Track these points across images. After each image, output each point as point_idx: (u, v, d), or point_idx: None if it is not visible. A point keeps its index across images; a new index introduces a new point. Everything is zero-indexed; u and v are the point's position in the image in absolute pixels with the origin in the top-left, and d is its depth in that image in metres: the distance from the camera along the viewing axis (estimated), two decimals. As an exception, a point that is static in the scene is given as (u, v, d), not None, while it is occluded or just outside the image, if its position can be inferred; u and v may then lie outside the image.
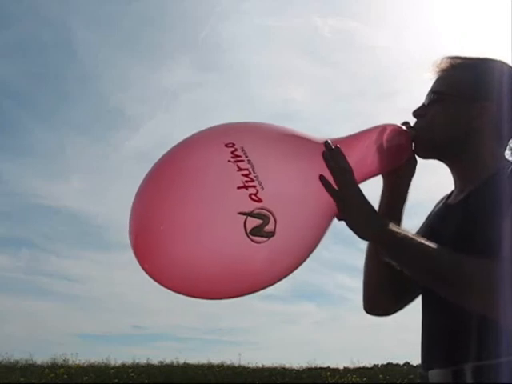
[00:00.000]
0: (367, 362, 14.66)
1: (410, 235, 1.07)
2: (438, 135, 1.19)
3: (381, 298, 1.32)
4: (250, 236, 1.00)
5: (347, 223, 1.10)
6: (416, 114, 1.23)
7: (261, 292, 1.09)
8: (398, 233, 1.07)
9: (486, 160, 1.16)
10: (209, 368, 13.02)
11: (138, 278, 1.09)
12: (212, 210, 1.01)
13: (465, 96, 1.17)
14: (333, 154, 1.09)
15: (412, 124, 1.24)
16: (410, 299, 1.29)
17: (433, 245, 1.03)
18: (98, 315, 21.54)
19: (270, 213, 1.02)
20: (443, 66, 1.22)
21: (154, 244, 1.02)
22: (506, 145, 1.21)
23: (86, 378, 11.36)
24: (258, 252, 1.02)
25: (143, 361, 13.44)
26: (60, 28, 25.29)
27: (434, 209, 1.30)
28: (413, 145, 1.22)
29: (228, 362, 13.72)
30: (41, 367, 12.20)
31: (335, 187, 1.08)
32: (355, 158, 1.16)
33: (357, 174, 1.14)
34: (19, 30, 23.90)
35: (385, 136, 1.21)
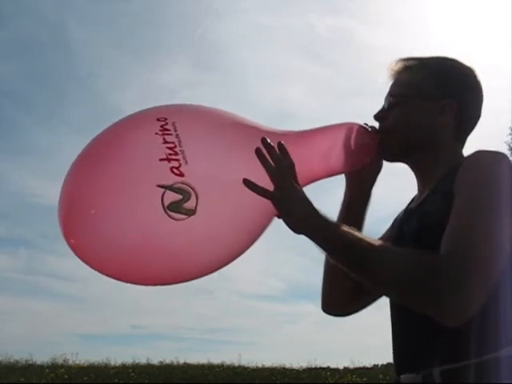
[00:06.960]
0: (367, 362, 14.61)
1: (350, 232, 0.99)
2: (401, 137, 1.18)
3: (336, 298, 1.29)
4: (168, 211, 0.95)
5: (283, 220, 1.01)
6: (378, 117, 1.23)
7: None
8: (337, 231, 0.99)
9: (445, 159, 1.16)
10: (209, 368, 12.97)
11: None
12: (132, 180, 0.98)
13: (424, 95, 1.17)
14: (269, 150, 1.01)
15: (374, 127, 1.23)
16: (369, 300, 1.27)
17: (378, 242, 1.00)
18: (98, 315, 21.49)
19: (192, 189, 0.96)
20: (397, 68, 1.22)
21: (81, 219, 0.99)
22: (465, 141, 1.22)
23: (86, 378, 11.33)
24: (175, 229, 0.96)
25: (143, 361, 13.41)
26: (57, 27, 25.29)
27: (398, 215, 1.29)
28: (378, 147, 1.21)
29: (228, 362, 13.67)
30: (41, 367, 12.17)
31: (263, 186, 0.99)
32: (316, 152, 1.15)
33: (318, 169, 1.14)
34: (17, 30, 23.89)
35: (351, 134, 1.19)
